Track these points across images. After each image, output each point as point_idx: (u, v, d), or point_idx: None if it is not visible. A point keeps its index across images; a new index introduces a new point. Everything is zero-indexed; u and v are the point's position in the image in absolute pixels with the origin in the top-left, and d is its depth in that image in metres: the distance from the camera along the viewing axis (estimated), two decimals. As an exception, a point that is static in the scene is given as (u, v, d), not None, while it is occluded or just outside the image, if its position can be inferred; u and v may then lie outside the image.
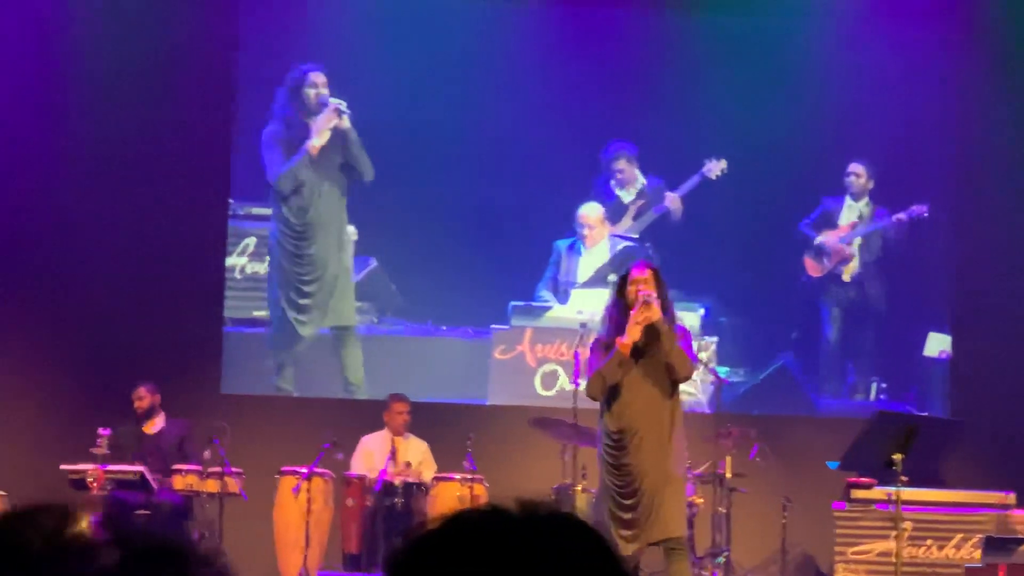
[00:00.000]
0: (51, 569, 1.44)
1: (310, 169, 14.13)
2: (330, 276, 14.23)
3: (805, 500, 12.71)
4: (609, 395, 9.64)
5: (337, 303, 14.22)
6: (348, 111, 14.03)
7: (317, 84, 14.09)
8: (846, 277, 14.63)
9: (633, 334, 9.49)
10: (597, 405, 13.75)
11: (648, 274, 9.61)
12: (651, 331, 9.54)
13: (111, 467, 12.08)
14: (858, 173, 14.51)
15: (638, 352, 9.59)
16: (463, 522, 1.78)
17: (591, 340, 10.33)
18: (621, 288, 9.69)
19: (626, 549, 9.54)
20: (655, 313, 9.48)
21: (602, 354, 9.69)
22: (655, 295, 9.49)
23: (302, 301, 14.18)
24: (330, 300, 14.20)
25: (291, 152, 14.13)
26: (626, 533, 9.55)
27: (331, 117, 14.06)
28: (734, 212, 14.37)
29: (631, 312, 9.52)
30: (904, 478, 10.46)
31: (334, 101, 14.06)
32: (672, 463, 9.66)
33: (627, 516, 9.56)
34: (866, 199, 14.60)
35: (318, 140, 14.07)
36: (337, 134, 14.10)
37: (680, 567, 9.69)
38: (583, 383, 13.29)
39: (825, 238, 14.58)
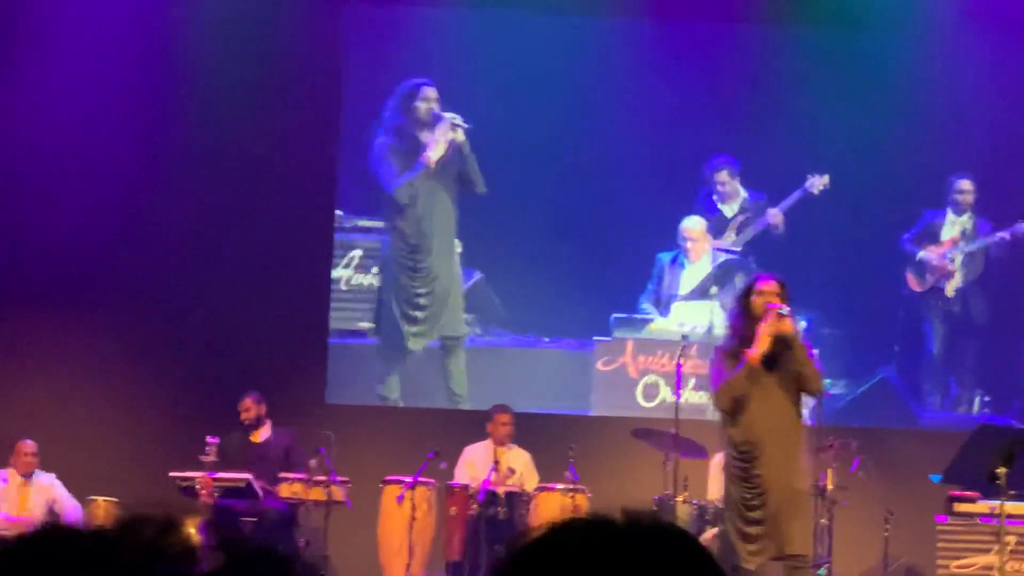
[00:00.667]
0: (153, 573, 1.42)
1: (425, 181, 14.18)
2: (442, 288, 14.27)
3: (907, 513, 12.58)
4: (736, 407, 9.53)
5: (448, 314, 14.25)
6: (465, 124, 14.07)
7: (429, 98, 14.15)
8: (949, 292, 14.47)
9: (763, 345, 9.37)
10: (701, 416, 13.74)
11: (775, 286, 9.50)
12: (781, 343, 9.44)
13: (219, 475, 12.15)
14: (965, 190, 14.34)
15: (768, 364, 9.47)
16: (567, 531, 1.76)
17: (711, 350, 10.18)
18: (745, 298, 9.58)
19: (750, 562, 9.45)
20: (787, 325, 9.39)
21: (726, 364, 9.57)
22: (787, 308, 9.40)
23: (415, 313, 14.24)
24: (442, 311, 14.24)
25: (404, 163, 14.18)
26: (751, 547, 9.44)
27: (446, 130, 14.10)
28: (836, 226, 14.26)
29: (759, 323, 9.41)
30: (1012, 492, 10.31)
31: (449, 115, 14.11)
32: (799, 478, 9.57)
33: (752, 530, 9.45)
34: (969, 213, 14.44)
35: (434, 153, 14.12)
36: (452, 147, 14.14)
37: None
38: (685, 394, 13.27)
39: (927, 254, 14.43)
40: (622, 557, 1.71)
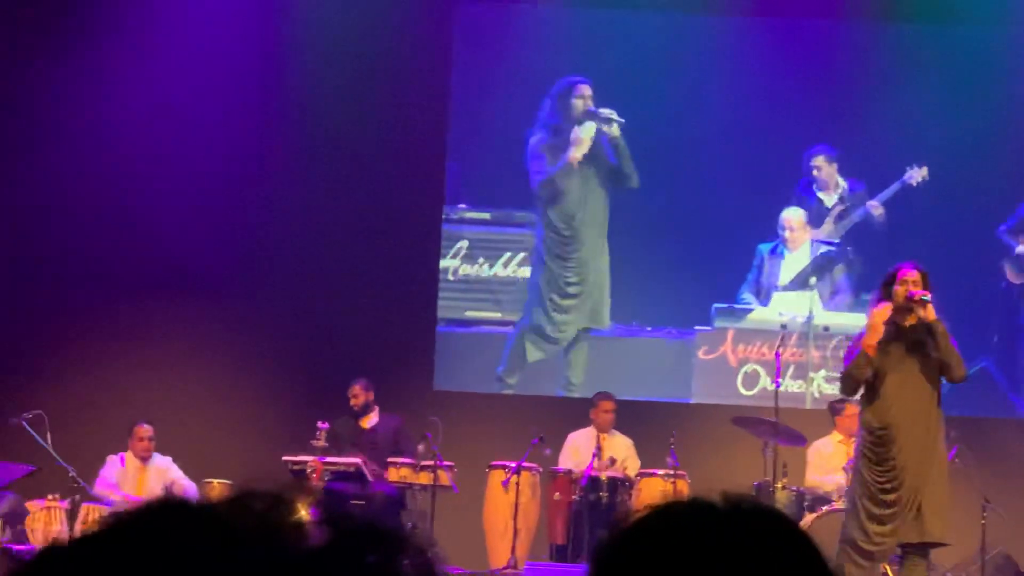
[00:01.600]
0: (263, 546, 1.43)
1: (575, 176, 14.23)
2: (592, 279, 14.31)
3: (1005, 501, 12.46)
4: (874, 390, 9.48)
5: (595, 305, 14.30)
6: (620, 120, 14.10)
7: (585, 95, 14.21)
8: (1048, 284, 14.32)
9: (875, 334, 9.34)
10: (800, 405, 13.67)
11: (917, 275, 9.45)
12: (923, 329, 9.39)
13: (329, 459, 12.25)
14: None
15: (910, 349, 9.43)
16: (668, 514, 1.76)
17: (844, 341, 10.13)
18: (887, 287, 9.52)
19: (879, 545, 9.39)
20: (930, 312, 9.34)
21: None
22: (929, 295, 9.35)
23: (565, 302, 14.29)
24: (589, 302, 14.29)
25: (556, 159, 14.23)
26: (882, 529, 9.38)
27: (590, 128, 14.12)
28: (934, 218, 14.14)
29: (900, 311, 9.37)
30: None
31: (605, 111, 14.15)
32: (936, 463, 9.48)
33: (885, 512, 9.38)
34: (1067, 205, 14.29)
35: (577, 151, 14.16)
36: (606, 142, 14.18)
37: (915, 572, 9.47)
38: (785, 383, 13.21)
39: (1025, 247, 14.29)
40: (722, 539, 1.71)
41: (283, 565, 1.43)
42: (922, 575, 9.54)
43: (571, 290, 14.35)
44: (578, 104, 14.28)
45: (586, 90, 14.27)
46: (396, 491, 12.50)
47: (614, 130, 14.23)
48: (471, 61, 14.62)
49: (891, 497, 9.37)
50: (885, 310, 9.37)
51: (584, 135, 14.21)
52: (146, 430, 12.91)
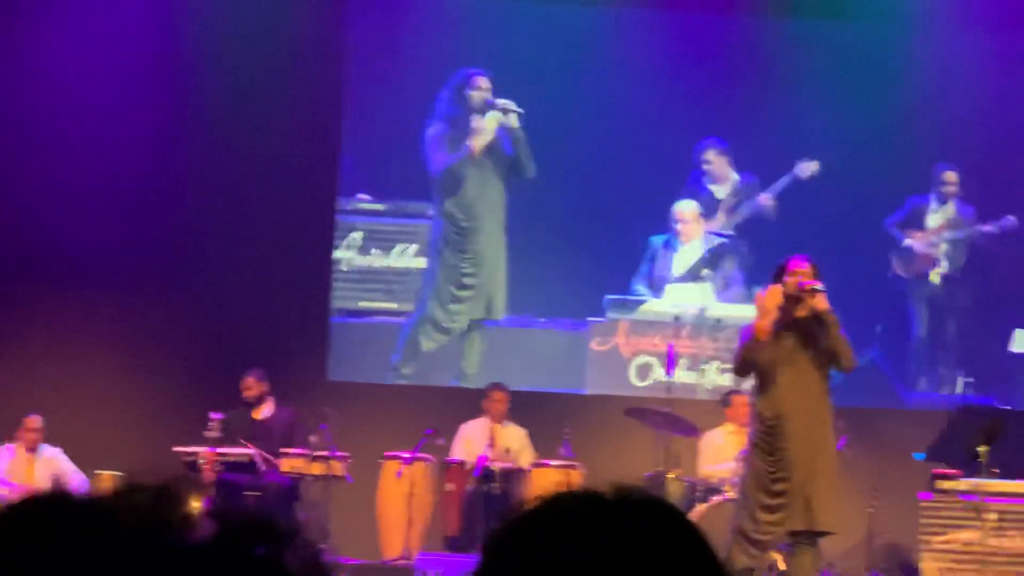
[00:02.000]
0: (145, 543, 1.41)
1: (473, 167, 14.20)
2: (488, 270, 14.28)
3: (892, 490, 12.59)
4: (766, 381, 9.55)
5: (491, 296, 14.28)
6: (519, 110, 14.09)
7: (482, 87, 14.17)
8: (934, 278, 14.50)
9: (765, 317, 9.44)
10: (692, 396, 13.74)
11: (808, 267, 9.54)
12: (814, 319, 9.47)
13: (222, 450, 12.16)
14: (950, 181, 14.37)
15: (801, 340, 9.51)
16: (558, 505, 1.76)
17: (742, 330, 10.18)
18: (778, 279, 9.60)
19: (768, 533, 9.46)
20: (821, 302, 9.42)
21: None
22: (821, 285, 9.44)
23: (461, 293, 14.26)
24: (485, 293, 14.27)
25: (454, 148, 14.21)
26: (771, 518, 9.45)
27: (493, 119, 14.10)
28: (824, 210, 14.26)
29: (791, 302, 9.45)
30: (995, 469, 10.34)
31: (502, 101, 14.13)
32: (826, 454, 9.56)
33: (774, 502, 9.46)
34: (952, 201, 14.46)
35: (479, 141, 14.14)
36: (504, 133, 14.16)
37: (804, 561, 9.56)
38: (677, 374, 13.28)
39: (913, 241, 14.44)
40: (610, 530, 1.72)
41: (166, 558, 1.41)
42: (811, 563, 9.63)
43: (467, 281, 14.34)
44: (475, 95, 14.26)
45: (484, 81, 14.26)
46: (289, 482, 12.43)
47: (512, 120, 14.23)
48: (366, 51, 14.54)
49: (781, 487, 9.45)
50: (775, 291, 9.46)
51: (487, 125, 14.20)
52: (35, 421, 12.76)
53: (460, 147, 14.23)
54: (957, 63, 14.38)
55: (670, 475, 12.15)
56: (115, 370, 13.92)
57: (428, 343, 14.32)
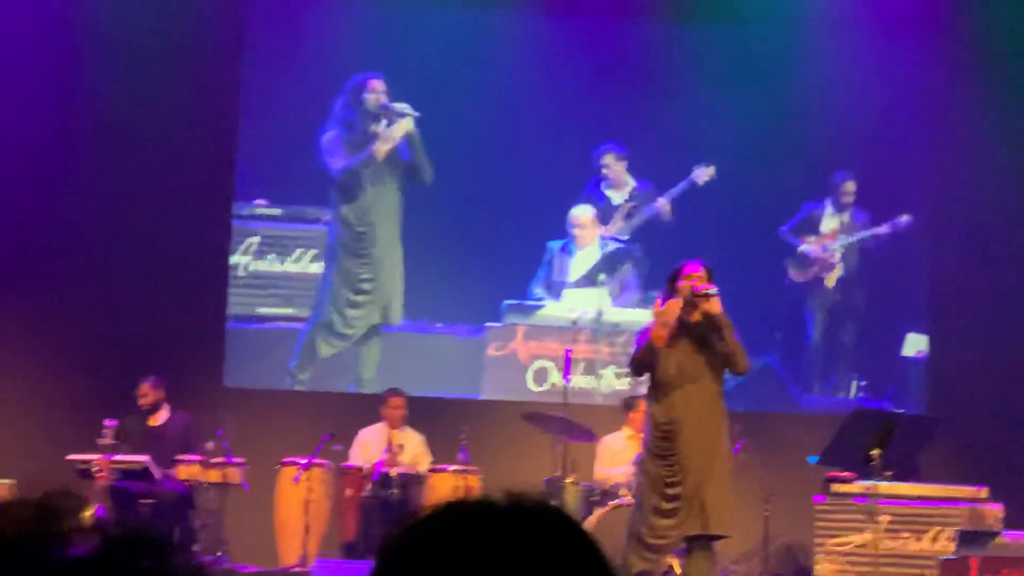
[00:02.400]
0: (26, 557, 1.39)
1: (370, 172, 14.17)
2: (385, 275, 14.24)
3: (787, 494, 12.67)
4: (660, 385, 9.56)
5: (388, 301, 14.24)
6: (415, 113, 14.07)
7: (377, 90, 14.14)
8: (829, 283, 14.63)
9: (660, 328, 9.46)
10: (589, 400, 13.78)
11: (702, 272, 9.57)
12: (708, 324, 9.51)
13: (116, 457, 12.04)
14: (849, 191, 14.52)
15: (695, 344, 9.54)
16: (451, 512, 1.76)
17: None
18: (672, 283, 9.62)
19: (663, 538, 9.47)
20: (715, 306, 9.45)
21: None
22: (715, 289, 9.47)
23: (357, 298, 14.21)
24: (382, 299, 14.23)
25: (353, 152, 14.15)
26: (666, 523, 9.46)
27: (400, 127, 14.08)
28: (721, 216, 14.34)
29: (685, 306, 9.49)
30: (888, 472, 10.43)
31: (399, 105, 14.11)
32: (720, 458, 9.59)
33: (669, 506, 9.47)
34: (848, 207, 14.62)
35: (384, 146, 14.11)
36: (401, 138, 14.16)
37: (699, 565, 9.60)
38: (574, 379, 13.30)
39: (809, 247, 14.57)
40: (502, 536, 1.72)
41: (46, 572, 1.39)
42: (706, 567, 9.66)
43: (364, 286, 14.30)
44: (371, 99, 14.23)
45: (379, 85, 14.23)
46: (185, 489, 12.32)
47: (408, 124, 14.22)
48: (262, 57, 14.45)
49: (675, 491, 9.47)
50: (674, 305, 9.50)
51: (395, 132, 14.18)
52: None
53: (361, 150, 14.20)
54: (849, 67, 14.51)
55: (567, 480, 12.17)
56: (7, 376, 13.73)
57: (325, 348, 14.26)
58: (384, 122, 14.21)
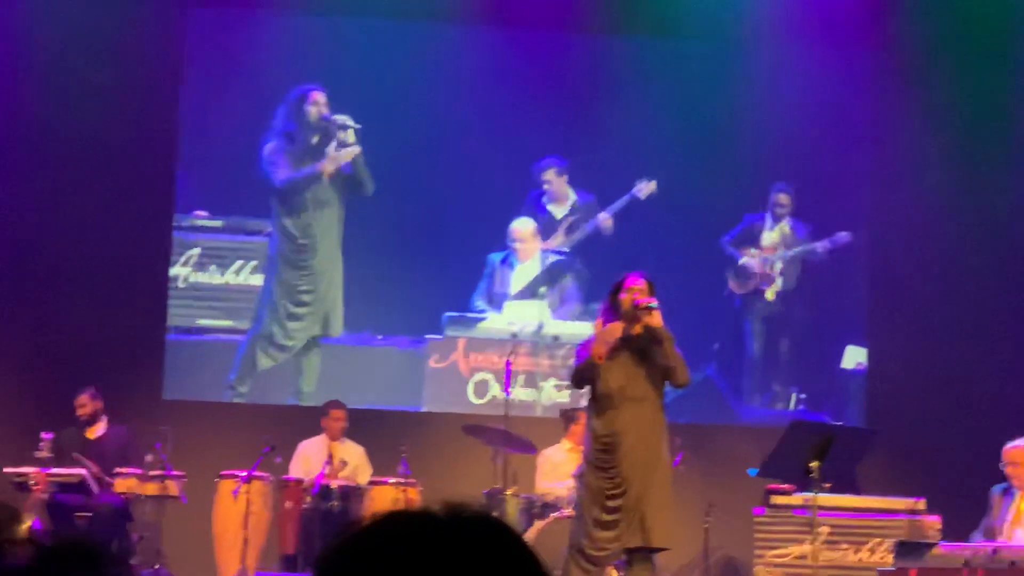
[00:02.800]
0: None
1: (313, 183, 14.14)
2: (325, 287, 14.21)
3: (727, 505, 12.69)
4: (600, 398, 9.54)
5: (329, 313, 14.21)
6: (356, 125, 14.06)
7: (318, 102, 14.13)
8: (769, 296, 14.68)
9: (600, 345, 9.45)
10: (530, 413, 13.78)
11: (644, 284, 9.56)
12: (649, 337, 9.51)
13: (53, 470, 11.94)
14: (784, 203, 14.59)
15: (636, 357, 9.54)
16: (390, 523, 1.75)
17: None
18: (614, 296, 9.62)
19: (604, 550, 9.47)
20: (656, 319, 9.45)
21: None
22: (656, 302, 9.47)
23: (298, 310, 14.16)
24: (322, 311, 14.20)
25: (296, 163, 14.13)
26: (607, 535, 9.45)
27: (349, 153, 14.05)
28: (662, 229, 14.37)
29: (625, 319, 9.49)
30: (827, 484, 10.48)
31: (340, 117, 14.10)
32: (660, 470, 9.59)
33: (610, 518, 9.45)
34: (787, 220, 14.68)
35: (331, 165, 14.11)
36: (343, 149, 14.15)
37: (647, 573, 9.60)
38: (515, 391, 13.30)
39: (749, 259, 14.62)
40: (441, 548, 1.71)
41: None
42: (645, 576, 9.68)
43: (304, 298, 14.25)
44: (312, 111, 14.21)
45: (320, 97, 14.21)
46: (123, 502, 12.23)
47: (349, 136, 14.20)
48: (203, 69, 14.37)
49: (616, 503, 9.47)
50: (619, 327, 9.49)
51: (343, 156, 14.17)
52: None
53: (304, 164, 14.18)
54: (789, 82, 14.56)
55: (508, 492, 12.16)
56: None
57: (265, 360, 14.20)
58: (334, 143, 14.18)
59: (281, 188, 14.13)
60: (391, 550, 1.70)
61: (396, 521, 1.76)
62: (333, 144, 14.16)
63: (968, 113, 14.47)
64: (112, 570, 1.42)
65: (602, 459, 9.50)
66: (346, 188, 14.25)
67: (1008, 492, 11.24)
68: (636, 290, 9.53)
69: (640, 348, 9.53)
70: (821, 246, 14.60)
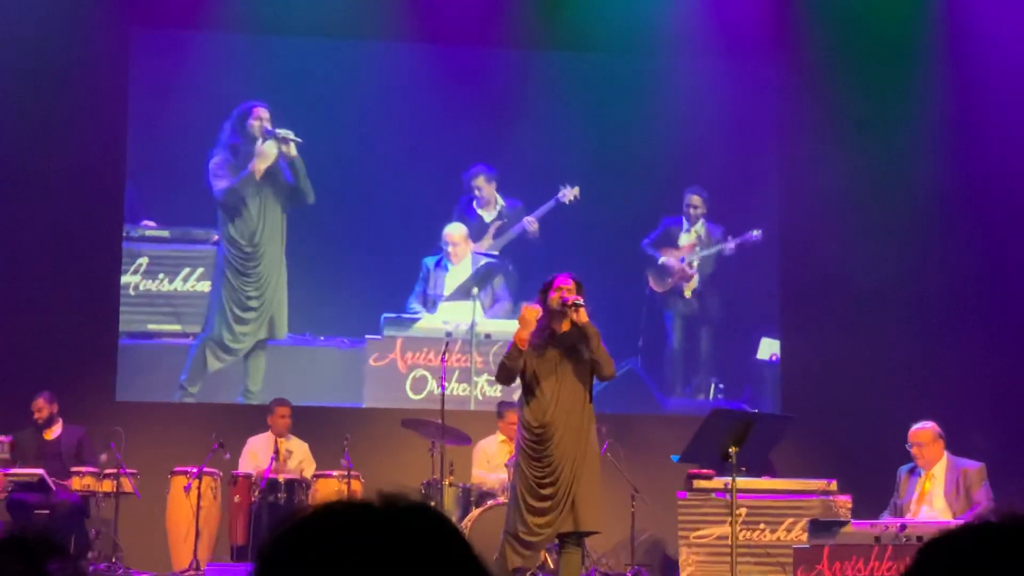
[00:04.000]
0: None
1: (255, 194, 14.07)
2: (271, 293, 14.15)
3: (652, 490, 12.73)
4: (531, 391, 9.53)
5: (274, 317, 14.15)
6: (297, 139, 14.02)
7: (261, 117, 14.08)
8: (687, 293, 14.73)
9: (524, 329, 9.46)
10: (465, 407, 13.76)
11: (572, 284, 9.59)
12: (576, 332, 9.51)
13: (12, 470, 11.87)
14: (696, 204, 14.67)
15: (564, 351, 9.53)
16: (328, 514, 1.74)
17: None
18: (544, 293, 9.63)
19: (537, 536, 9.45)
20: (583, 315, 9.46)
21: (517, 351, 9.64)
22: (583, 300, 9.49)
23: (245, 315, 14.09)
24: (268, 314, 14.14)
25: (237, 174, 14.09)
26: (540, 520, 9.44)
27: (274, 145, 14.03)
28: (585, 231, 14.40)
29: (554, 315, 9.49)
30: (745, 469, 10.51)
31: (282, 132, 14.05)
32: (589, 458, 9.59)
33: (542, 505, 9.44)
34: (701, 222, 14.75)
35: (261, 163, 14.05)
36: (284, 161, 14.07)
37: (571, 559, 9.60)
38: (450, 387, 13.29)
39: (667, 259, 14.68)
40: (376, 535, 1.70)
41: None
42: (577, 562, 9.67)
43: (251, 303, 14.20)
44: (255, 125, 14.17)
45: (263, 112, 14.18)
46: (80, 499, 12.15)
47: (291, 149, 14.18)
48: (148, 86, 14.28)
49: (548, 491, 9.47)
50: (532, 309, 9.53)
51: (268, 150, 14.15)
52: None
53: (242, 171, 14.15)
54: (700, 92, 14.63)
55: (445, 482, 12.14)
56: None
57: (214, 362, 14.13)
58: (259, 140, 14.16)
59: (221, 198, 14.07)
60: (329, 540, 1.70)
61: (334, 511, 1.75)
62: (259, 141, 14.10)
63: (865, 117, 14.58)
64: (55, 561, 1.39)
65: (534, 449, 9.50)
66: (288, 198, 14.21)
67: (914, 472, 11.32)
68: (564, 289, 9.56)
69: (568, 344, 9.55)
70: (733, 245, 14.67)
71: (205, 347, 14.08)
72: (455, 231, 14.35)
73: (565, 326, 9.56)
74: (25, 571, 1.37)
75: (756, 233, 14.60)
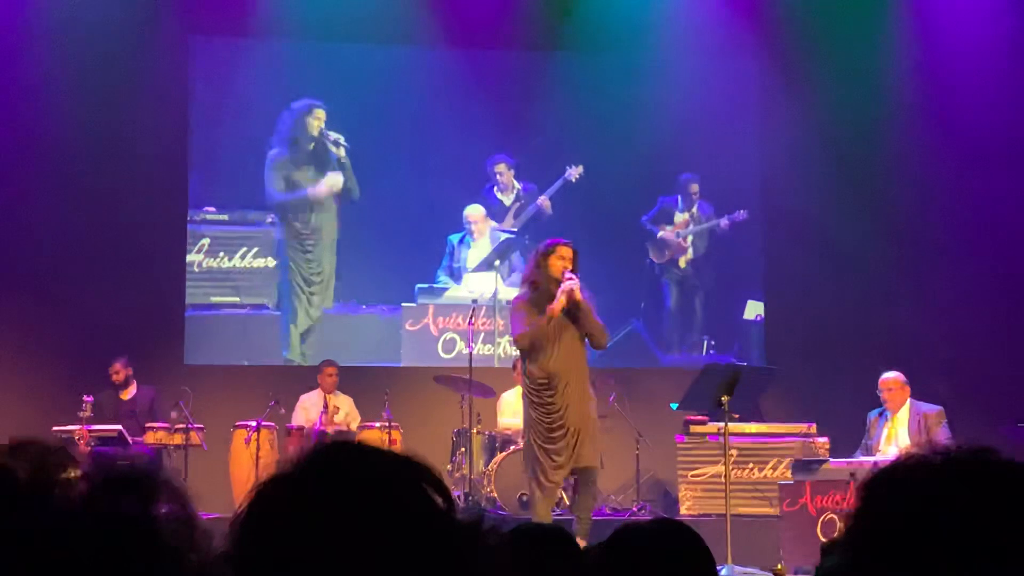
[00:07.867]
0: (36, 495, 1.31)
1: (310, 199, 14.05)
2: (327, 271, 14.19)
3: (653, 435, 12.73)
4: (536, 350, 9.41)
5: (329, 292, 14.20)
6: (346, 144, 13.97)
7: (319, 116, 14.01)
8: (682, 264, 14.72)
9: (559, 305, 9.30)
10: (489, 364, 13.76)
11: (571, 253, 9.45)
12: (572, 303, 9.37)
13: (94, 427, 11.90)
14: (693, 191, 14.65)
15: (564, 315, 9.40)
16: (315, 461, 1.53)
17: (511, 302, 10.00)
18: (544, 257, 9.49)
19: (555, 475, 9.45)
20: (576, 295, 9.35)
21: (525, 311, 9.46)
22: (576, 278, 9.35)
23: (310, 289, 14.12)
24: (327, 290, 14.17)
25: (291, 171, 14.07)
26: (558, 459, 9.42)
27: (337, 182, 13.96)
28: (593, 209, 14.37)
29: (554, 281, 9.32)
30: (736, 415, 10.52)
31: (333, 135, 14.01)
32: (590, 405, 9.57)
33: (555, 446, 9.41)
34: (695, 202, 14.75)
35: (323, 191, 14.03)
36: (335, 162, 14.04)
37: (589, 491, 9.61)
38: (476, 347, 13.28)
39: (665, 234, 14.68)
40: (360, 479, 1.51)
41: (51, 512, 1.30)
42: (590, 497, 9.69)
43: (315, 278, 14.24)
44: (313, 123, 14.09)
45: (321, 112, 14.08)
46: (153, 452, 12.19)
47: (340, 152, 14.13)
48: (208, 87, 14.25)
49: (558, 434, 9.46)
50: (559, 306, 9.39)
51: (333, 182, 14.08)
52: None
53: (302, 188, 14.09)
54: (691, 84, 14.56)
55: (473, 430, 12.16)
56: (3, 361, 13.50)
57: (295, 331, 14.19)
58: (328, 175, 14.06)
59: (272, 205, 14.07)
60: (315, 487, 1.50)
61: (321, 457, 1.54)
62: (327, 176, 14.03)
63: (840, 105, 14.51)
64: (165, 494, 1.33)
65: (541, 396, 9.46)
66: (339, 197, 14.23)
67: (883, 415, 11.31)
68: (568, 259, 9.42)
69: (567, 312, 9.48)
70: (723, 222, 14.66)
71: (290, 320, 14.15)
72: (474, 211, 14.32)
73: (562, 303, 9.47)
74: (138, 511, 1.31)
75: (742, 212, 14.62)
